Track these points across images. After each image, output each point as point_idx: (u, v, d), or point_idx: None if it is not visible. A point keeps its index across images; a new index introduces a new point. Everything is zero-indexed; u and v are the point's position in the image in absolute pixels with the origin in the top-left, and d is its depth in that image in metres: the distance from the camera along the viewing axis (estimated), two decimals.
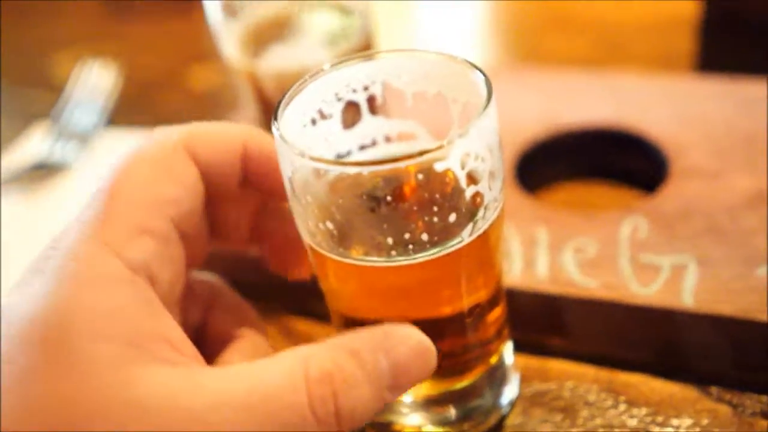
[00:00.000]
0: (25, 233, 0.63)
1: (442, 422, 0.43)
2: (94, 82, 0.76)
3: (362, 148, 0.43)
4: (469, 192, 0.37)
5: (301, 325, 0.52)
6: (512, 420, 0.44)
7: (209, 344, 0.41)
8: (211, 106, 0.76)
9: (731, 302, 0.44)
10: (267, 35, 0.54)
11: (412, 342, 0.35)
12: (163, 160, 0.37)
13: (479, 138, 0.36)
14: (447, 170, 0.35)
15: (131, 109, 0.77)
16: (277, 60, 0.52)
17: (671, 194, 0.52)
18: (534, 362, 0.47)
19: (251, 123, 0.62)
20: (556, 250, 0.49)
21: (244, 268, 0.54)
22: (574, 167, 0.58)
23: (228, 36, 0.54)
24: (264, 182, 0.41)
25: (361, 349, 0.34)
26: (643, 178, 0.56)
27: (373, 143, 0.43)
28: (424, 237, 0.36)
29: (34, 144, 0.72)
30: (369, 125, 0.43)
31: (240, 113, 0.66)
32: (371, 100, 0.42)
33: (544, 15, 0.83)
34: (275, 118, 0.38)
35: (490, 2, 0.89)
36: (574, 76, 0.64)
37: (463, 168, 0.36)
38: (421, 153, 0.34)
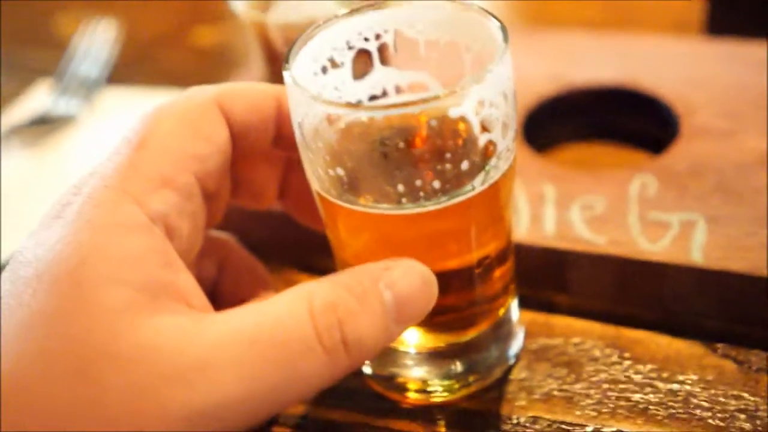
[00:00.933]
0: (27, 185, 0.63)
1: (448, 375, 0.43)
2: (96, 39, 0.75)
3: (372, 98, 0.42)
4: (482, 140, 0.36)
5: (306, 280, 0.52)
6: (517, 374, 0.44)
7: (223, 302, 0.41)
8: (215, 64, 0.75)
9: (741, 259, 0.44)
10: None
11: (414, 274, 0.36)
12: (193, 116, 0.37)
13: (494, 85, 0.36)
14: (460, 117, 0.35)
15: (134, 67, 0.76)
16: (286, 12, 0.52)
17: (681, 153, 0.51)
18: (540, 318, 0.47)
19: (258, 81, 0.62)
20: (563, 207, 0.49)
21: (248, 223, 0.54)
22: (581, 127, 0.58)
23: None
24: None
25: (363, 280, 0.34)
26: (652, 139, 0.55)
27: (384, 93, 0.42)
28: (436, 184, 0.36)
29: (37, 100, 0.72)
30: (380, 75, 0.42)
31: (245, 72, 0.65)
32: (383, 49, 0.42)
33: None
34: (287, 62, 0.37)
35: None
36: (582, 38, 0.63)
37: (477, 115, 0.35)
38: (435, 98, 0.34)
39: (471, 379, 0.43)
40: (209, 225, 0.41)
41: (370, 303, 0.34)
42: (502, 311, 0.43)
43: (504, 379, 0.44)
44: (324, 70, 0.40)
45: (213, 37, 0.80)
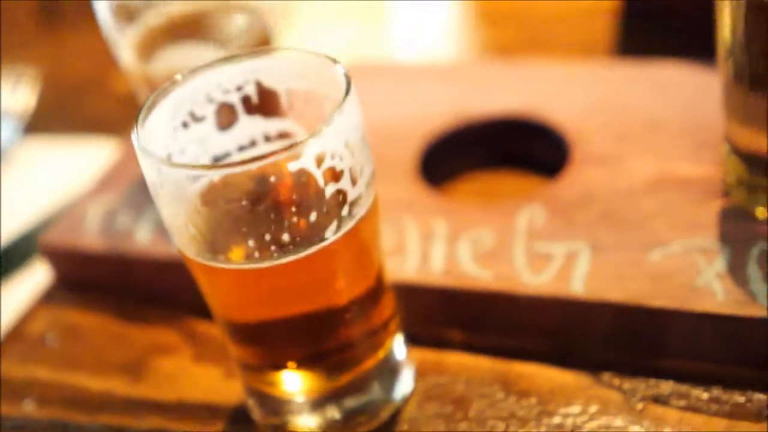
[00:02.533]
0: None
1: (334, 419, 0.43)
2: (11, 92, 0.75)
3: (241, 149, 0.43)
4: (329, 190, 0.36)
5: (205, 327, 0.52)
6: (406, 414, 0.44)
7: None
8: (134, 109, 0.75)
9: (621, 288, 0.44)
10: (161, 39, 0.53)
11: None
12: None
13: (335, 135, 0.36)
14: (301, 171, 0.35)
15: (53, 115, 0.76)
16: (168, 62, 0.52)
17: (570, 181, 0.51)
18: (431, 356, 0.47)
19: None
20: (453, 243, 0.49)
21: (146, 274, 0.54)
22: (481, 157, 0.58)
23: (123, 42, 0.53)
24: None
25: None
26: (548, 166, 0.56)
27: (252, 144, 0.43)
28: (286, 237, 0.36)
29: None
30: (246, 125, 0.42)
31: None
32: (246, 100, 0.42)
33: (465, 6, 0.83)
34: (136, 125, 0.37)
35: None
36: (487, 66, 0.64)
37: (319, 166, 0.35)
38: (272, 154, 0.34)
39: (358, 420, 0.43)
40: None
41: None
42: (382, 352, 0.43)
43: (393, 421, 0.44)
44: (185, 125, 0.40)
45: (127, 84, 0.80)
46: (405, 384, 0.45)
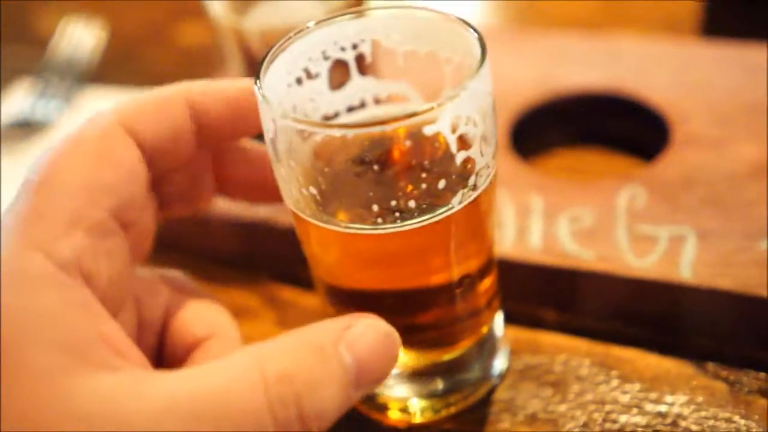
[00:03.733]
0: (6, 190, 0.61)
1: (429, 395, 0.42)
2: (78, 38, 0.74)
3: (350, 109, 0.41)
4: (459, 157, 0.35)
5: (287, 293, 0.51)
6: (501, 394, 0.43)
7: (173, 347, 0.38)
8: (198, 63, 0.73)
9: (731, 276, 0.43)
10: None
11: (376, 333, 0.33)
12: (97, 145, 0.34)
13: (471, 101, 0.34)
14: (437, 134, 0.34)
15: (116, 66, 0.75)
16: (263, 17, 0.50)
17: (671, 163, 0.50)
18: (525, 335, 0.46)
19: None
20: (550, 220, 0.47)
21: (226, 236, 0.53)
22: (570, 133, 0.56)
23: None
24: (224, 130, 0.38)
25: (324, 343, 0.31)
26: (642, 146, 0.54)
27: (362, 105, 0.41)
28: (412, 204, 0.35)
29: (16, 101, 0.70)
30: (358, 86, 0.41)
31: (228, 71, 0.64)
32: (360, 59, 0.40)
33: None
34: (257, 78, 0.36)
35: None
36: (573, 40, 0.62)
37: (453, 132, 0.34)
38: (410, 116, 0.33)
39: (453, 399, 0.42)
40: (137, 259, 0.38)
41: (330, 369, 0.31)
42: (485, 329, 0.42)
43: (488, 400, 0.43)
44: (299, 81, 0.39)
45: (196, 36, 0.78)
46: (501, 362, 0.44)
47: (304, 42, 0.38)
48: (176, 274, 0.41)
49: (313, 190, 0.35)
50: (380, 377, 0.33)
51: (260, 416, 0.29)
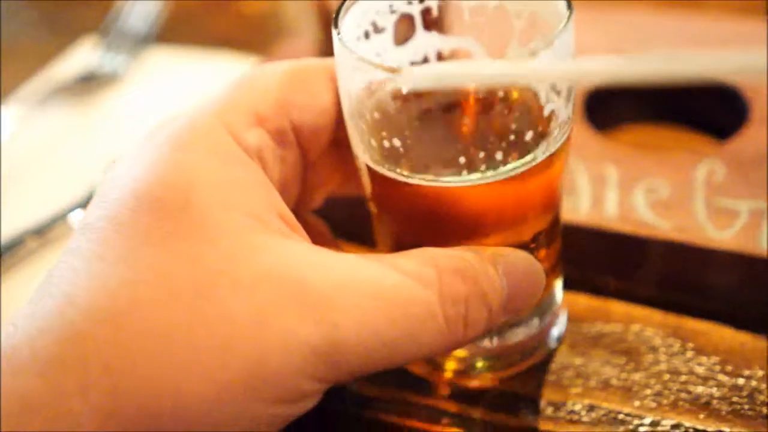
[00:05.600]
0: (73, 141, 0.62)
1: (487, 353, 0.41)
2: (140, 2, 0.74)
3: (412, 65, 0.40)
4: (546, 109, 0.34)
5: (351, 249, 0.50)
6: (574, 360, 0.43)
7: None
8: (261, 30, 0.73)
9: None
10: None
11: (527, 263, 0.35)
12: (303, 73, 0.37)
13: (562, 51, 0.34)
14: (528, 85, 0.33)
15: (180, 28, 0.75)
16: None
17: (750, 140, 0.49)
18: (598, 303, 0.45)
19: (309, 47, 0.60)
20: (626, 190, 0.47)
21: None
22: (644, 108, 0.56)
23: None
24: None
25: (484, 261, 0.33)
26: (718, 124, 0.53)
27: (425, 60, 0.40)
28: (498, 155, 0.34)
29: (83, 56, 0.70)
30: (422, 40, 0.40)
31: (294, 40, 0.64)
32: (426, 13, 0.39)
33: None
34: (335, 26, 0.35)
35: None
36: (647, 16, 0.61)
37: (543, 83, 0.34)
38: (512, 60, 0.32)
39: (512, 359, 0.41)
40: (306, 202, 0.39)
41: (491, 286, 0.33)
42: (547, 291, 0.41)
43: (559, 365, 0.43)
44: (366, 35, 0.38)
45: (261, 4, 0.78)
46: (560, 327, 0.43)
47: None
48: (323, 224, 0.42)
49: (396, 142, 0.35)
50: (525, 307, 0.36)
51: (433, 308, 0.31)
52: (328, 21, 0.53)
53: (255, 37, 0.73)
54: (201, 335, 0.28)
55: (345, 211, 0.44)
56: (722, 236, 0.44)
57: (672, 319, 0.44)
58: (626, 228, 0.45)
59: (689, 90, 0.54)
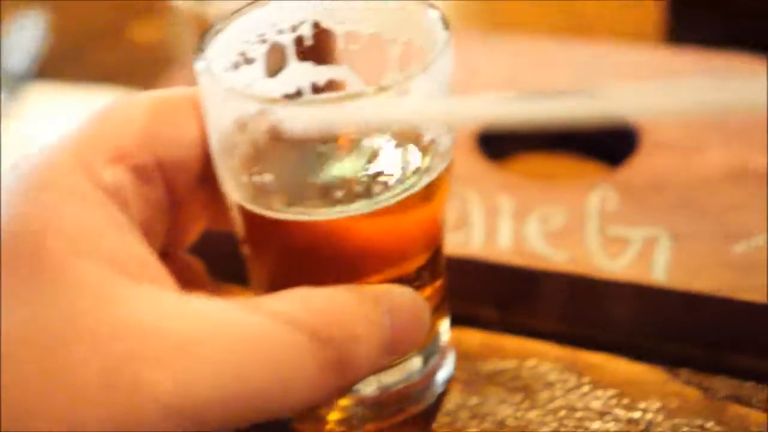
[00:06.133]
0: None
1: (373, 401, 0.39)
2: (25, 32, 0.71)
3: (287, 98, 0.38)
4: (426, 137, 0.33)
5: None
6: (469, 400, 0.41)
7: None
8: (150, 61, 0.71)
9: (705, 279, 0.42)
10: None
11: (412, 302, 0.33)
12: (167, 104, 0.34)
13: (439, 76, 0.32)
14: None
15: (66, 62, 0.72)
16: (229, 4, 0.48)
17: (642, 167, 0.49)
18: (492, 339, 0.44)
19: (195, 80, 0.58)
20: (520, 220, 0.46)
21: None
22: (536, 138, 0.55)
23: None
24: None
25: (365, 300, 0.32)
26: (610, 151, 0.53)
27: (298, 93, 0.39)
28: (376, 187, 0.33)
29: None
30: (295, 71, 0.38)
31: (182, 69, 0.61)
32: (299, 42, 0.38)
33: None
34: (199, 57, 0.33)
35: None
36: (539, 44, 0.61)
37: None
38: (379, 90, 0.31)
39: (397, 406, 0.39)
40: (178, 240, 0.37)
41: (371, 326, 0.31)
42: (431, 331, 0.39)
43: (454, 405, 0.41)
44: (235, 65, 0.36)
45: (149, 33, 0.75)
46: (448, 368, 0.41)
47: (241, 23, 0.36)
48: (198, 263, 0.40)
49: (267, 177, 0.33)
50: (410, 347, 0.34)
51: (304, 353, 0.29)
52: None
53: (144, 68, 0.71)
54: (49, 391, 0.27)
55: (226, 247, 0.41)
56: (615, 265, 0.43)
57: (567, 353, 0.43)
58: (519, 261, 0.44)
59: None
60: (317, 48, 0.38)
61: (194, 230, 0.39)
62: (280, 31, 0.37)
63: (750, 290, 0.41)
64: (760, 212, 0.45)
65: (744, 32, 0.61)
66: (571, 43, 0.61)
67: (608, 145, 0.53)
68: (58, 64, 0.71)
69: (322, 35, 0.37)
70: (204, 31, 0.48)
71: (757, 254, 0.43)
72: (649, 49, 0.60)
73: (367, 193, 0.33)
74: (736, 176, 0.47)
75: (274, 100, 0.34)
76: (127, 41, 0.75)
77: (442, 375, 0.41)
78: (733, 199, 0.46)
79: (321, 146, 0.33)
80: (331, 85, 0.38)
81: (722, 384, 0.41)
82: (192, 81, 0.58)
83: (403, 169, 0.33)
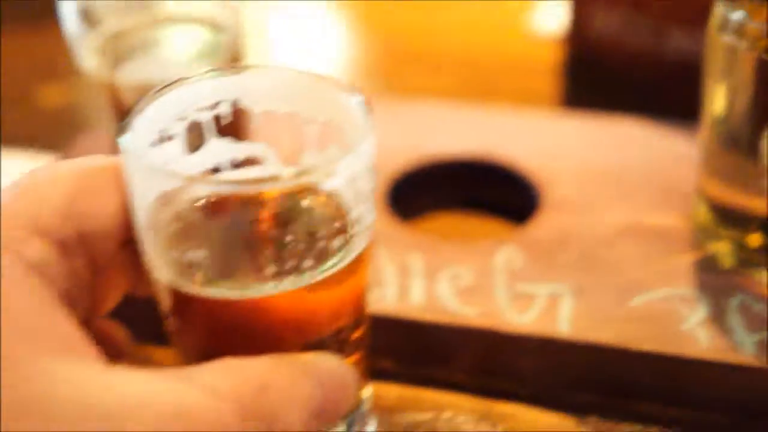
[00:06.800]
0: None
1: None
2: None
3: (206, 174, 0.39)
4: (353, 214, 0.34)
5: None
6: None
7: None
8: (60, 126, 0.71)
9: (608, 331, 0.44)
10: (129, 46, 0.50)
11: (341, 371, 0.34)
12: (88, 176, 0.34)
13: (363, 158, 0.34)
14: (331, 191, 0.33)
15: None
16: (138, 73, 0.49)
17: (544, 225, 0.51)
18: (409, 392, 0.45)
19: (106, 143, 0.58)
20: (431, 278, 0.48)
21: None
22: (444, 198, 0.57)
23: (86, 45, 0.50)
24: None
25: (294, 371, 0.32)
26: (514, 210, 0.55)
27: (216, 170, 0.39)
28: (306, 263, 0.33)
29: None
30: (213, 149, 0.38)
31: (92, 134, 0.62)
32: (218, 120, 0.39)
33: (408, 50, 0.83)
34: (122, 136, 0.34)
35: (358, 34, 0.88)
36: (441, 109, 0.63)
37: (346, 188, 0.34)
38: (307, 172, 0.32)
39: None
40: (98, 307, 0.37)
41: (301, 393, 0.31)
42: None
43: None
44: (156, 142, 0.36)
45: (58, 97, 0.75)
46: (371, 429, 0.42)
47: (162, 102, 0.36)
48: (121, 330, 0.40)
49: (191, 256, 0.34)
50: (339, 414, 0.34)
51: (228, 425, 0.29)
52: (123, 117, 0.51)
53: (54, 132, 0.70)
54: None
55: (146, 309, 0.42)
56: (523, 320, 0.45)
57: (482, 404, 0.45)
58: (432, 317, 0.46)
59: (486, 179, 0.57)
60: (235, 126, 0.39)
61: (114, 297, 0.38)
62: (200, 109, 0.38)
63: (650, 340, 0.44)
64: (656, 266, 0.48)
65: (630, 99, 0.65)
66: (467, 109, 0.63)
67: (513, 202, 0.56)
68: None
69: (239, 113, 0.38)
70: (113, 99, 0.49)
71: (655, 305, 0.45)
72: (543, 114, 0.63)
73: (295, 270, 0.33)
74: (635, 232, 0.50)
75: (194, 178, 0.35)
76: (33, 105, 0.74)
77: None
78: (632, 254, 0.49)
79: (250, 222, 0.34)
80: (250, 162, 0.39)
81: (628, 429, 0.43)
82: (100, 145, 0.58)
83: (331, 245, 0.34)
